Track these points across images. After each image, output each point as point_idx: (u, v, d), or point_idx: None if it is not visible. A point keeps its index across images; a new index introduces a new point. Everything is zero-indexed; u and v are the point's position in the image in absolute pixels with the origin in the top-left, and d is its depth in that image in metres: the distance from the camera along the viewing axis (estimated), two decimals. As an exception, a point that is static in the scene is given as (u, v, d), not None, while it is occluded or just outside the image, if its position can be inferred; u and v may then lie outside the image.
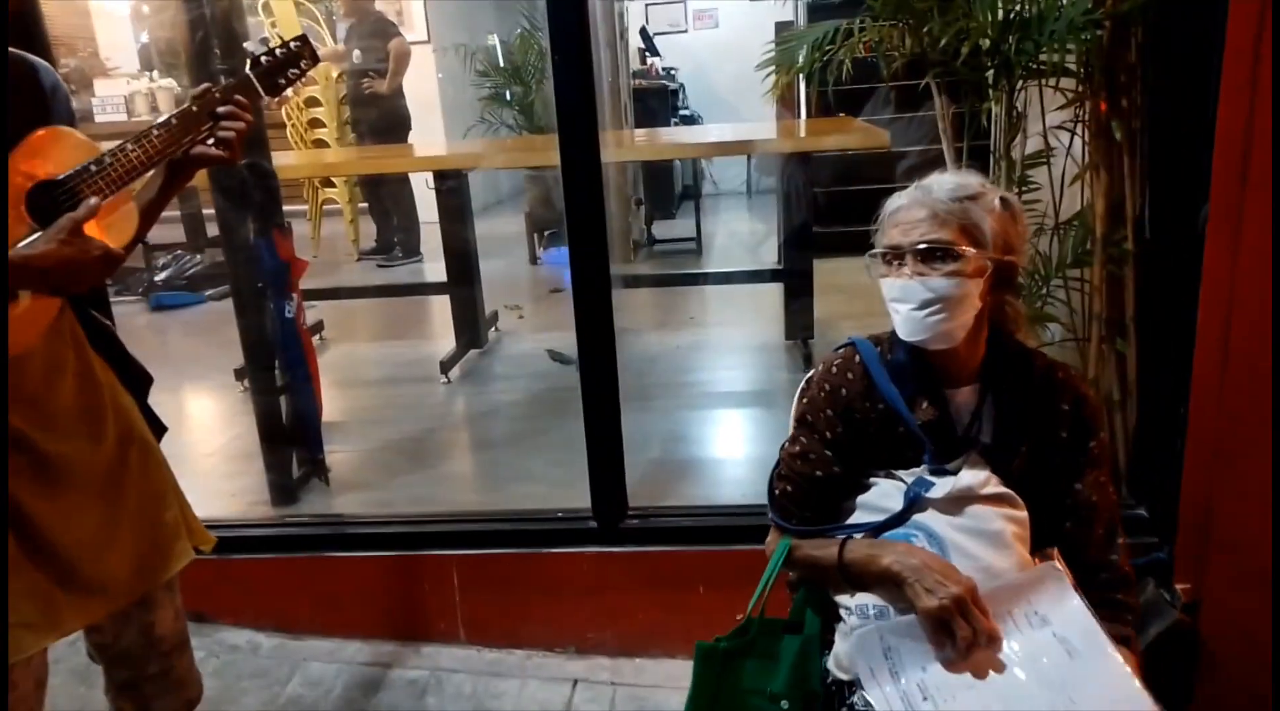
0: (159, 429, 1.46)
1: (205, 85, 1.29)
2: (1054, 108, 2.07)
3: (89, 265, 1.14)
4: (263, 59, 1.35)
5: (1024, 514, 1.24)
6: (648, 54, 7.13)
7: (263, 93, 1.34)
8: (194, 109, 1.26)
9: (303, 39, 1.37)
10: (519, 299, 4.68)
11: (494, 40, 6.27)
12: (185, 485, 1.49)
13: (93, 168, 1.18)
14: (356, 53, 5.48)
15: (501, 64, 6.11)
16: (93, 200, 1.15)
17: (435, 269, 4.21)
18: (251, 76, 1.33)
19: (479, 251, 4.04)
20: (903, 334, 1.24)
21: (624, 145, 4.28)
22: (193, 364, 4.00)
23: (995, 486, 1.23)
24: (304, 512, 2.57)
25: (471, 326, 3.89)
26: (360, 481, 2.78)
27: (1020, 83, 2.00)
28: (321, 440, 2.70)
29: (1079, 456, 1.27)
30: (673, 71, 7.33)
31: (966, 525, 1.21)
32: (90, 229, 1.17)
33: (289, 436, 2.61)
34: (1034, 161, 2.15)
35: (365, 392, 3.68)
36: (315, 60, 1.39)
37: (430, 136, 6.31)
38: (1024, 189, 2.13)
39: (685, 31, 7.86)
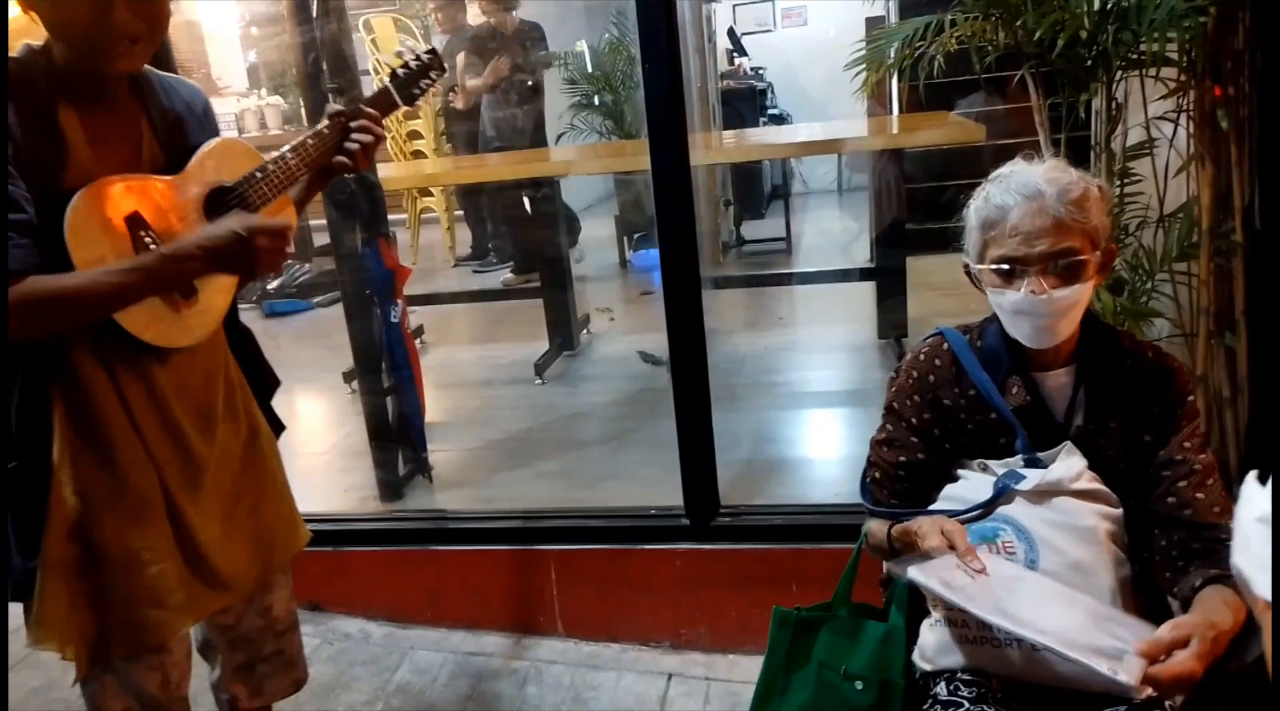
0: (278, 428, 1.55)
1: (334, 109, 1.39)
2: (1155, 97, 2.01)
3: (247, 242, 1.17)
4: (399, 71, 1.47)
5: (1118, 512, 1.22)
6: (735, 54, 7.12)
7: (401, 102, 1.46)
8: (341, 120, 1.38)
9: (432, 52, 1.48)
10: (610, 301, 4.75)
11: (583, 47, 6.38)
12: (299, 482, 1.58)
13: (258, 174, 1.29)
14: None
15: (590, 71, 6.21)
16: (256, 200, 1.28)
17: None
18: (391, 88, 1.45)
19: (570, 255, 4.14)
20: (1027, 342, 1.23)
21: (712, 148, 4.30)
22: (304, 367, 4.21)
23: (1088, 482, 1.22)
24: (409, 508, 2.69)
25: (564, 329, 3.99)
26: (461, 479, 2.89)
27: (1119, 73, 1.95)
28: (425, 439, 2.82)
29: (1169, 426, 1.24)
30: (761, 71, 7.30)
31: (1055, 519, 1.20)
32: None
33: (395, 435, 2.74)
34: (1136, 153, 2.09)
35: (464, 394, 3.81)
36: (443, 70, 1.50)
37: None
38: (1126, 181, 2.08)
39: (772, 30, 7.82)
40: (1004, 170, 1.24)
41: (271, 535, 1.47)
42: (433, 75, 1.48)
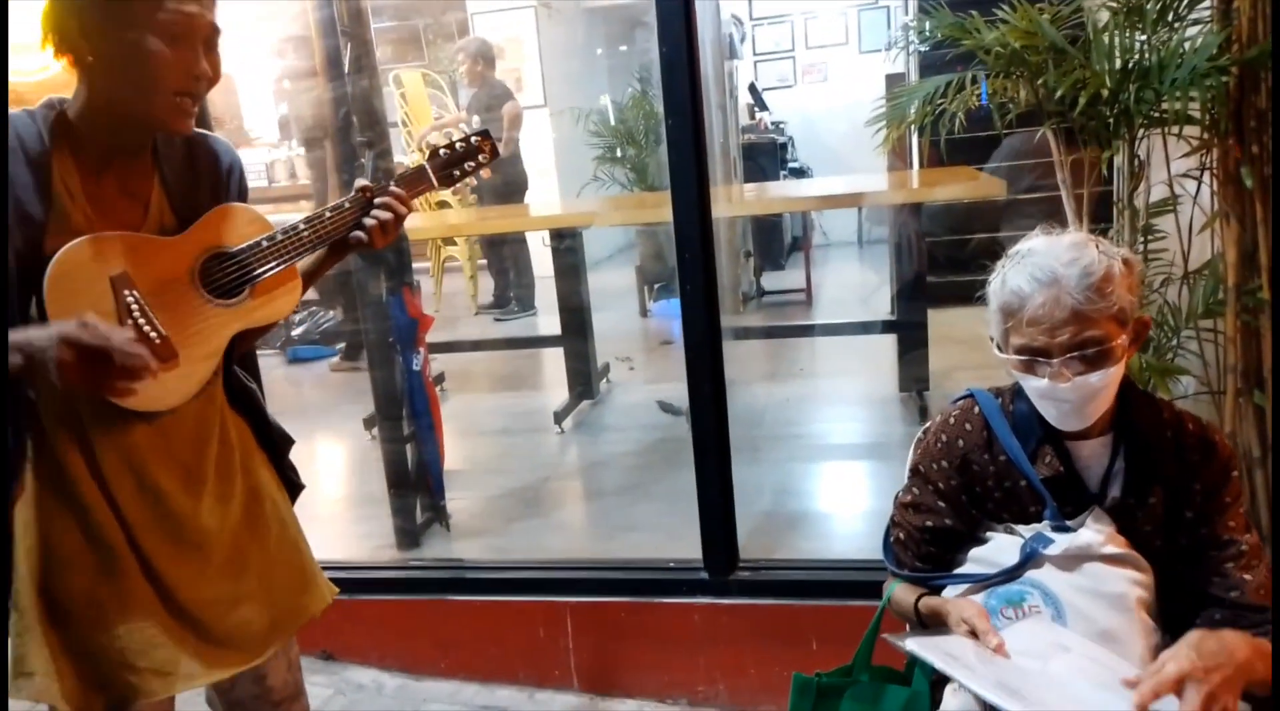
0: (295, 488, 1.48)
1: (361, 183, 1.34)
2: (1178, 155, 2.02)
3: (56, 358, 1.04)
4: (441, 152, 1.39)
5: (1148, 577, 1.19)
6: (756, 109, 7.23)
7: (436, 184, 1.38)
8: (366, 195, 1.32)
9: (484, 133, 1.40)
10: (630, 351, 4.77)
11: (606, 101, 6.50)
12: (316, 529, 1.53)
13: (264, 243, 1.25)
14: (476, 118, 5.78)
15: (614, 124, 6.32)
16: (257, 269, 1.24)
17: (549, 322, 4.35)
18: (428, 168, 1.38)
19: (591, 305, 4.16)
20: (1056, 424, 1.21)
21: (733, 200, 4.34)
22: (325, 413, 4.24)
23: (1116, 546, 1.19)
24: (426, 557, 2.67)
25: (584, 378, 3.99)
26: (479, 528, 2.87)
27: (1141, 131, 1.96)
28: (443, 487, 2.82)
29: (1213, 504, 1.21)
30: (782, 125, 7.41)
31: (1084, 585, 1.18)
32: (259, 297, 1.26)
33: (413, 483, 2.74)
34: (1159, 209, 2.09)
35: (483, 442, 3.81)
36: (496, 155, 1.42)
37: (546, 195, 6.57)
38: (1149, 238, 2.07)
39: (793, 86, 7.95)
40: (1022, 248, 1.20)
41: (285, 596, 1.41)
42: (481, 159, 1.40)
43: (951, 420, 1.32)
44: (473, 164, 1.40)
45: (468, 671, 2.37)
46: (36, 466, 1.21)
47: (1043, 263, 1.15)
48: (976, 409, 1.30)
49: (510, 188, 5.63)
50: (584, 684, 2.29)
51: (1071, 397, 1.16)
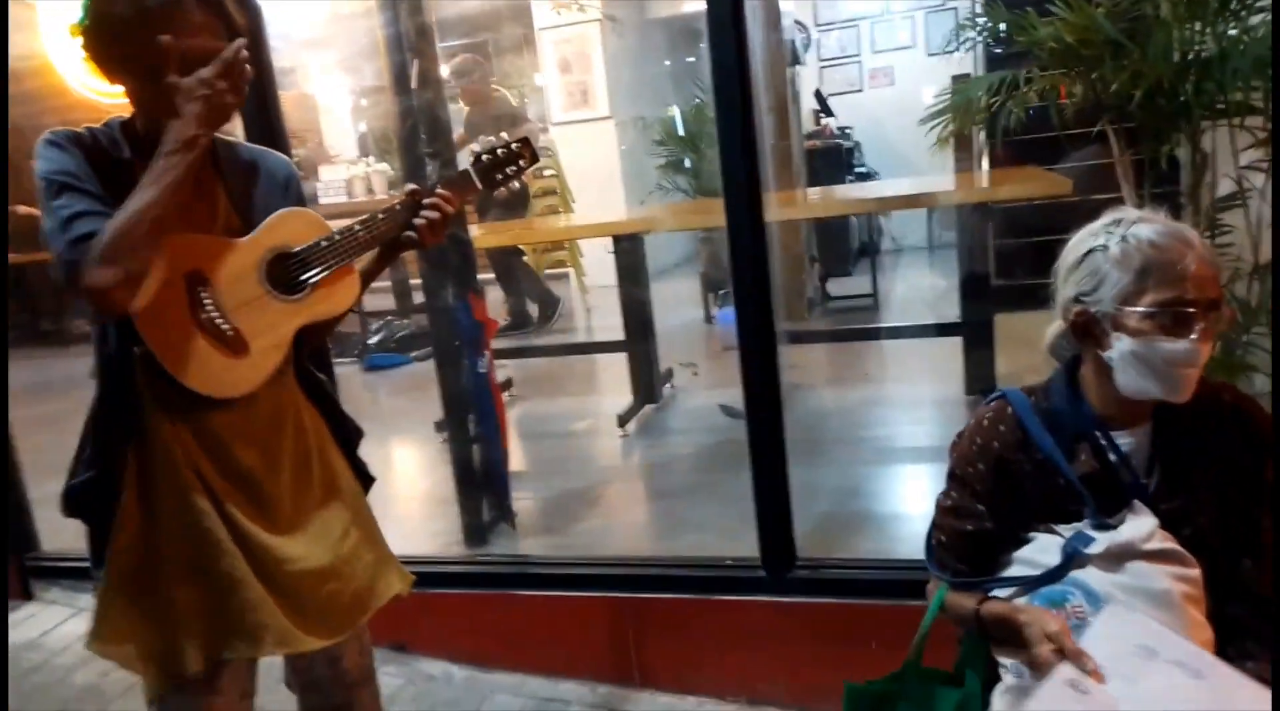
0: (367, 479, 1.57)
1: (410, 187, 1.45)
2: (1245, 146, 1.98)
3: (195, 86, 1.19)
4: (484, 157, 1.50)
5: (1195, 572, 1.16)
6: (821, 115, 7.21)
7: (480, 186, 1.49)
8: (415, 197, 1.44)
9: (524, 141, 1.51)
10: (693, 356, 4.80)
11: (674, 111, 6.58)
12: (390, 526, 1.60)
13: (323, 243, 1.36)
14: (475, 145, 5.76)
15: (679, 133, 6.38)
16: (318, 267, 1.35)
17: (615, 327, 4.42)
18: (472, 172, 1.49)
19: (655, 311, 4.22)
20: (1171, 395, 1.16)
21: (795, 204, 4.35)
22: (400, 417, 4.39)
23: (1160, 542, 1.16)
24: (493, 552, 2.75)
25: (647, 383, 4.05)
26: (543, 526, 2.95)
27: (1203, 124, 1.93)
28: (508, 486, 2.90)
29: (1260, 485, 1.18)
30: (848, 130, 7.37)
31: (1128, 583, 1.15)
32: (320, 292, 1.37)
33: (480, 482, 2.82)
34: (1226, 204, 2.05)
35: (549, 444, 3.90)
36: (535, 159, 1.52)
37: (612, 203, 6.67)
38: (1217, 232, 2.03)
39: (860, 91, 7.90)
40: (1127, 216, 1.19)
41: (365, 577, 1.48)
42: (521, 163, 1.49)
43: (985, 422, 1.30)
44: (514, 168, 1.51)
45: (532, 664, 2.43)
46: (140, 449, 1.32)
47: (1171, 226, 1.15)
48: (1010, 409, 1.28)
49: (514, 200, 5.40)
50: (644, 680, 2.33)
51: (1197, 361, 1.13)
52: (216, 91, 1.21)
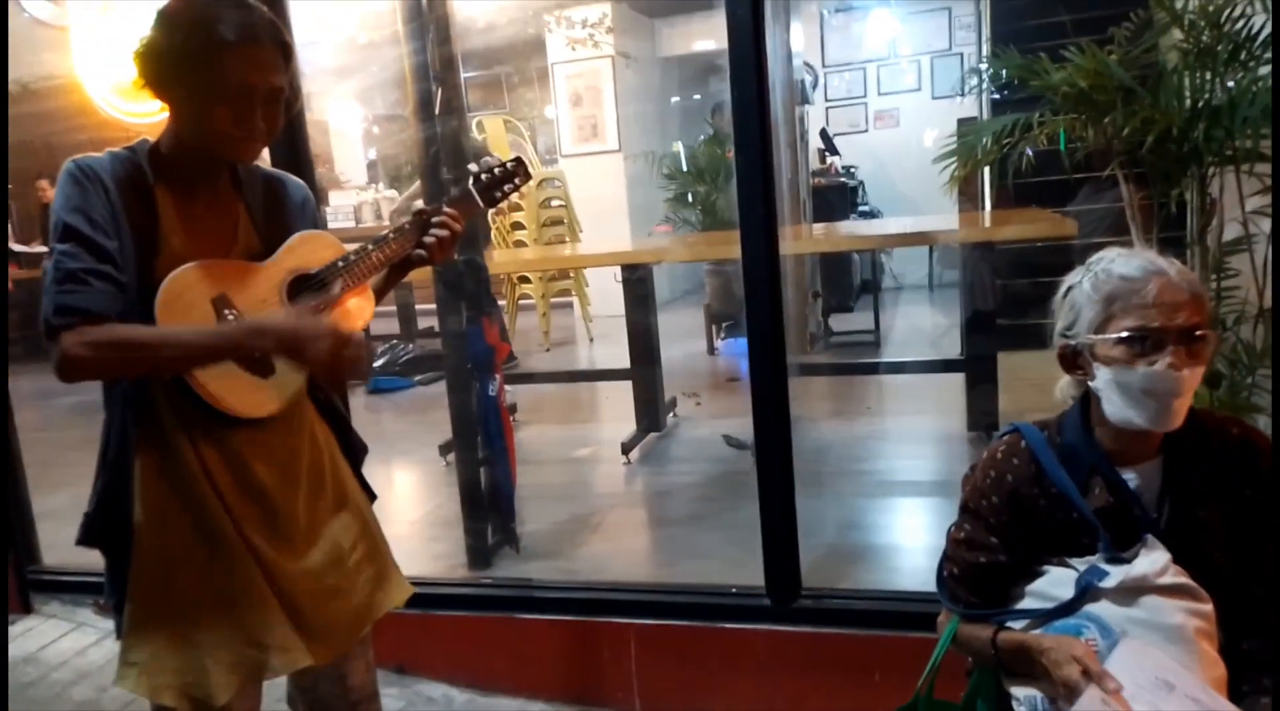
0: (369, 496, 1.59)
1: (418, 208, 1.51)
2: (1252, 192, 2.02)
3: (320, 338, 1.25)
4: (483, 176, 1.58)
5: (1208, 607, 1.16)
6: (827, 153, 7.30)
7: (481, 204, 1.56)
8: (423, 217, 1.50)
9: (518, 161, 1.60)
10: (697, 387, 4.83)
11: (679, 147, 6.68)
12: (393, 547, 1.60)
13: (340, 264, 1.40)
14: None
15: (685, 168, 6.47)
16: (336, 287, 1.38)
17: (619, 356, 4.44)
18: (473, 191, 1.56)
19: (660, 342, 4.25)
20: (1150, 424, 1.17)
21: (800, 238, 4.40)
22: (403, 440, 4.39)
23: (1174, 576, 1.16)
24: (497, 575, 2.75)
25: (651, 411, 4.06)
26: (547, 551, 2.94)
27: (1211, 169, 1.97)
28: (514, 510, 2.90)
29: (1270, 518, 1.19)
30: (852, 169, 7.46)
31: (1142, 617, 1.15)
32: (337, 310, 1.39)
33: (486, 504, 2.83)
34: (1233, 248, 2.09)
35: (553, 470, 3.90)
36: (528, 178, 1.61)
37: (618, 234, 6.74)
38: (1222, 275, 2.07)
39: (866, 131, 8.01)
40: (1105, 255, 1.22)
41: (366, 590, 1.50)
42: (516, 182, 1.59)
43: (999, 455, 1.31)
44: (510, 186, 1.58)
45: (534, 689, 2.42)
46: (148, 467, 1.32)
47: (1144, 258, 1.17)
48: (1023, 443, 1.29)
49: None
50: (646, 704, 2.32)
51: (1176, 390, 1.13)
52: (343, 357, 1.25)
